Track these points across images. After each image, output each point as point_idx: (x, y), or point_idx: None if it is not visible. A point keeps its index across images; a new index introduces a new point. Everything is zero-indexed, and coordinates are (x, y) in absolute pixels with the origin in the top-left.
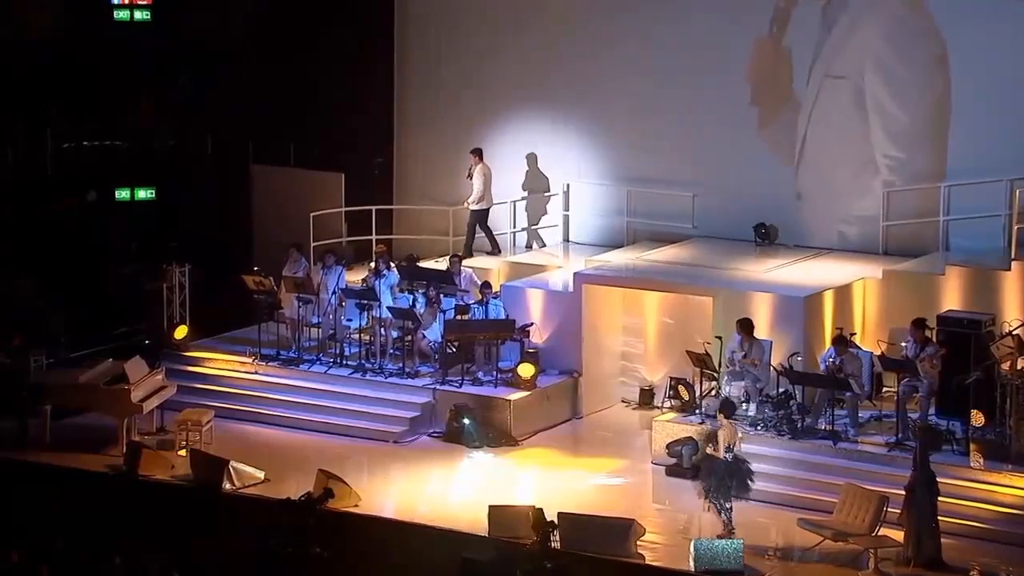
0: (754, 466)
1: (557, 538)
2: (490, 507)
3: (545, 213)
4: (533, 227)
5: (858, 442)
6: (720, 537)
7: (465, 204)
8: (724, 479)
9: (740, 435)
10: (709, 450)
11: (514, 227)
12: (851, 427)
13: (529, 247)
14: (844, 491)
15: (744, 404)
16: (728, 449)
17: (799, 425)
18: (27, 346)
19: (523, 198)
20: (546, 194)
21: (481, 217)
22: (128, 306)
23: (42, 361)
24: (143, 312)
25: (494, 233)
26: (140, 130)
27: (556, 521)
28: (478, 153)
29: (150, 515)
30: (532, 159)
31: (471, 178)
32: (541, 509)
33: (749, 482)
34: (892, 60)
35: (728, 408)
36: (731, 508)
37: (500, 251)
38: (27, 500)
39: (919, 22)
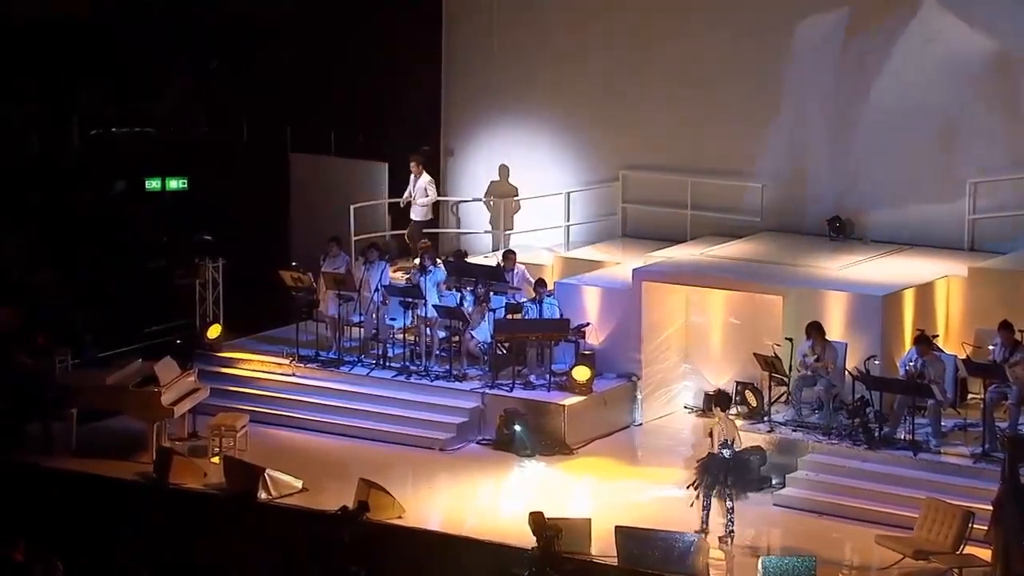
0: (832, 479)
1: (561, 544)
2: None
3: (513, 222)
4: (504, 229)
5: (941, 453)
6: (698, 532)
7: (403, 202)
8: (718, 476)
9: (739, 430)
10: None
11: (568, 220)
12: (933, 437)
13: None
14: (925, 506)
15: (816, 411)
16: (725, 445)
17: (876, 434)
18: (51, 346)
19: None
20: (605, 185)
21: (419, 228)
22: (158, 303)
23: (67, 362)
24: (174, 310)
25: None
26: (172, 116)
27: (560, 526)
28: (420, 161)
29: (178, 525)
30: (504, 170)
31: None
32: (541, 513)
33: (749, 481)
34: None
35: (723, 402)
36: (731, 507)
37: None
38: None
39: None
